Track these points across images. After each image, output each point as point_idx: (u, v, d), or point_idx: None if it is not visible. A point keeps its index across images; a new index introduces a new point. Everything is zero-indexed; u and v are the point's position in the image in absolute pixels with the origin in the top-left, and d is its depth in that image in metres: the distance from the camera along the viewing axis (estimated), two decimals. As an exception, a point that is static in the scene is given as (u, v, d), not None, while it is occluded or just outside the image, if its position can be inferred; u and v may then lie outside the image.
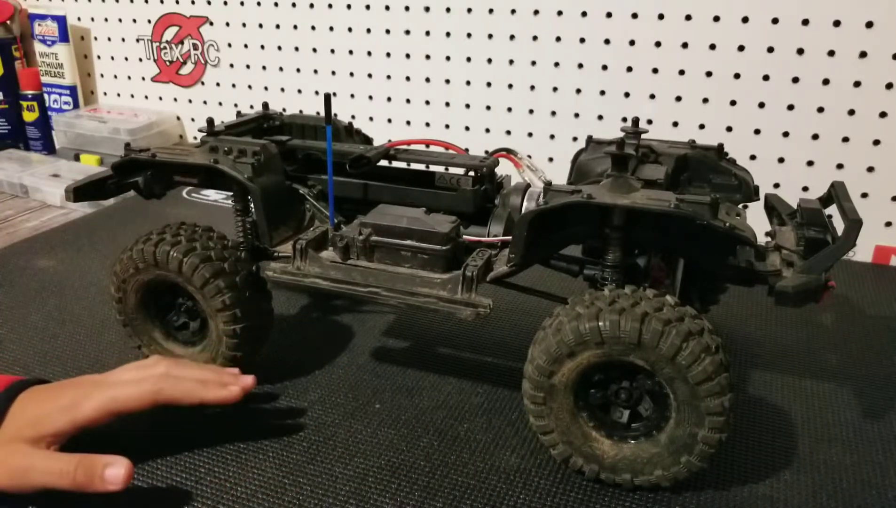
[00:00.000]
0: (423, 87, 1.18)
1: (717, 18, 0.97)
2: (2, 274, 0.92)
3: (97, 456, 0.54)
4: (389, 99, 1.22)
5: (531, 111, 1.12)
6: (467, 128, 1.18)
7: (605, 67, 1.05)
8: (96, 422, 0.56)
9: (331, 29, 1.22)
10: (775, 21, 0.94)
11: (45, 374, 0.70)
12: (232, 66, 1.33)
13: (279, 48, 1.27)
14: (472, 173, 0.66)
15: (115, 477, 0.53)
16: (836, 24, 0.91)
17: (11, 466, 0.53)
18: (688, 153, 0.66)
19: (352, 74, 1.23)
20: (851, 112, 0.95)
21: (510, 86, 1.12)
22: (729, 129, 1.01)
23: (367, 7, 1.17)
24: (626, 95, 1.05)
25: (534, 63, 1.09)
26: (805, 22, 0.93)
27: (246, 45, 1.30)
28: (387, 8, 1.16)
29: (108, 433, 0.62)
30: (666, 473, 0.54)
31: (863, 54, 0.92)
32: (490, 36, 1.10)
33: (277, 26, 1.26)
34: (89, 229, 1.07)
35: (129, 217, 1.10)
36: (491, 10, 1.09)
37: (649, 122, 1.04)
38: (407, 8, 1.14)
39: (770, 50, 0.96)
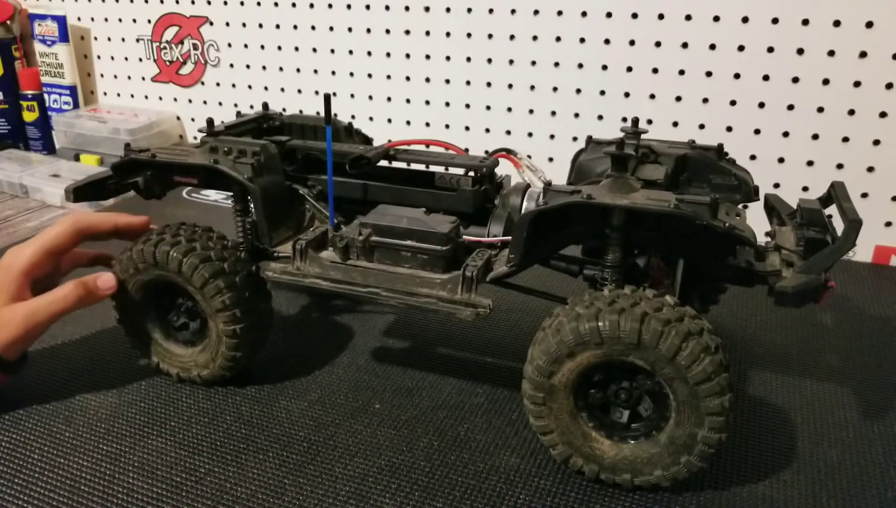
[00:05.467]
0: (423, 87, 1.18)
1: (717, 18, 0.97)
2: (2, 274, 0.92)
3: (85, 277, 0.65)
4: (389, 99, 1.22)
5: (531, 111, 1.12)
6: (467, 128, 1.18)
7: (605, 67, 1.05)
8: (39, 265, 0.65)
9: (331, 29, 1.22)
10: (775, 21, 0.94)
11: (45, 373, 0.71)
12: (232, 66, 1.33)
13: (279, 48, 1.27)
14: (471, 174, 0.66)
15: (108, 283, 0.65)
16: (836, 24, 0.91)
17: (19, 316, 0.62)
18: (688, 153, 0.66)
19: (352, 74, 1.23)
20: (851, 112, 0.95)
21: (510, 86, 1.12)
22: (729, 129, 1.01)
23: (367, 7, 1.17)
24: (626, 95, 1.05)
25: (534, 63, 1.09)
26: (805, 22, 0.93)
27: (246, 45, 1.30)
28: (387, 8, 1.16)
29: (107, 434, 0.63)
30: (666, 473, 0.54)
31: (863, 54, 0.92)
32: (490, 36, 1.10)
33: (277, 26, 1.26)
34: (89, 229, 1.06)
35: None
36: (491, 10, 1.09)
37: (649, 122, 1.04)
38: (407, 8, 1.14)
39: (770, 50, 0.96)
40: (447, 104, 1.17)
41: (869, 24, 0.90)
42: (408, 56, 1.17)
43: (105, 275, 0.65)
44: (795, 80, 0.96)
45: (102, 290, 0.65)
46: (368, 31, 1.19)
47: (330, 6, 1.20)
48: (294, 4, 1.22)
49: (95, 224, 0.68)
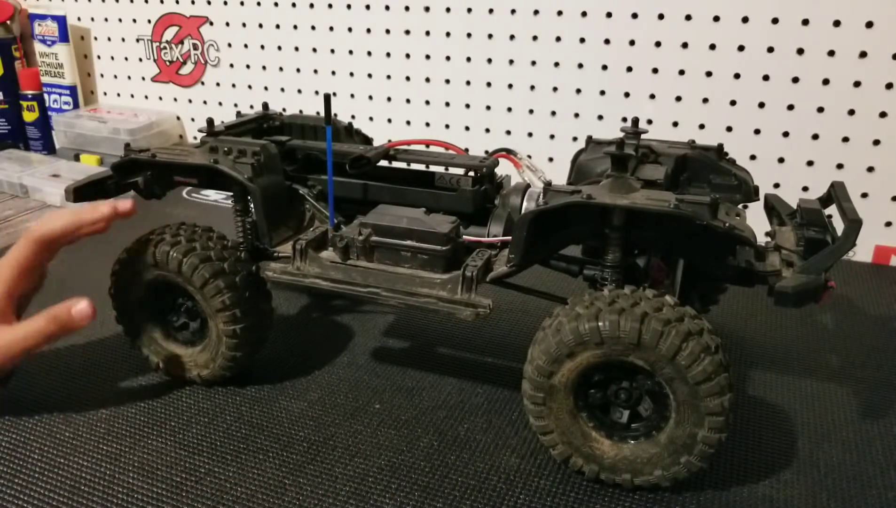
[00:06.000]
0: (423, 87, 1.18)
1: (717, 18, 0.97)
2: (2, 274, 0.92)
3: (57, 306, 0.60)
4: (389, 99, 1.22)
5: (531, 111, 1.12)
6: (467, 128, 1.18)
7: (605, 67, 1.05)
8: (18, 286, 0.62)
9: (331, 29, 1.22)
10: (775, 21, 0.94)
11: (45, 373, 0.71)
12: (232, 66, 1.33)
13: (279, 48, 1.27)
14: (471, 174, 0.66)
15: (84, 313, 0.60)
16: (836, 24, 0.91)
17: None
18: (688, 153, 0.66)
19: (352, 74, 1.23)
20: (851, 112, 0.95)
21: (510, 86, 1.12)
22: (729, 129, 1.01)
23: (367, 7, 1.17)
24: (626, 95, 1.05)
25: (534, 63, 1.09)
26: (805, 22, 0.93)
27: (246, 45, 1.30)
28: (387, 8, 1.16)
29: (107, 434, 0.63)
30: (666, 473, 0.54)
31: (863, 54, 0.92)
32: (490, 36, 1.10)
33: (277, 26, 1.26)
34: (89, 229, 1.06)
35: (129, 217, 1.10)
36: (491, 10, 1.09)
37: (649, 122, 1.04)
38: (407, 8, 1.14)
39: (770, 50, 0.96)
40: (447, 104, 1.17)
41: (869, 24, 0.90)
42: (408, 56, 1.17)
43: (80, 304, 0.60)
44: (795, 80, 0.96)
45: (77, 321, 0.60)
46: (368, 31, 1.19)
47: (330, 6, 1.20)
48: (294, 4, 1.22)
49: (54, 231, 0.63)
